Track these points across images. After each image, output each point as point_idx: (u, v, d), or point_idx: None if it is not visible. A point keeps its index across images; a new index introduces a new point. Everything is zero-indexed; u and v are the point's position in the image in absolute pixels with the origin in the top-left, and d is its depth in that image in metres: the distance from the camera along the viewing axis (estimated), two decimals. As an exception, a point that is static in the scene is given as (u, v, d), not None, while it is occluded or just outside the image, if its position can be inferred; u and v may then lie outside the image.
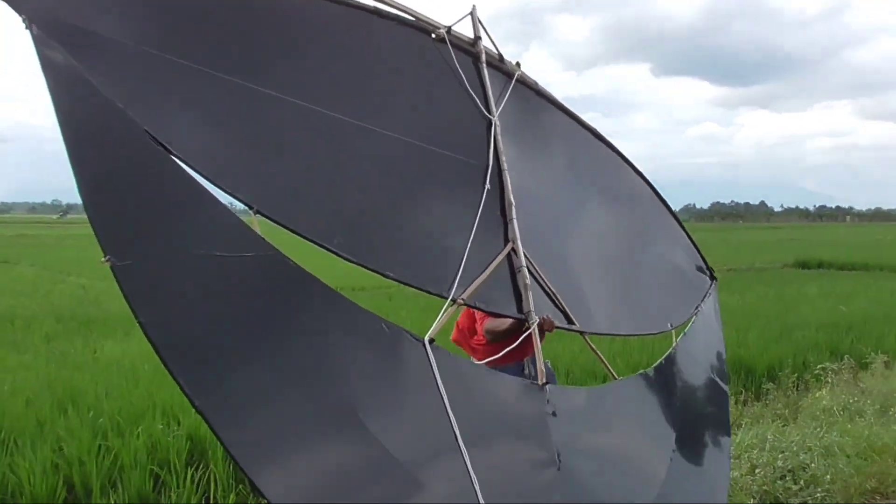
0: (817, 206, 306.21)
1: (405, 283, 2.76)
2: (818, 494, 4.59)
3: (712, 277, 4.82)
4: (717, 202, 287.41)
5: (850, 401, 6.44)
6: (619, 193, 4.52)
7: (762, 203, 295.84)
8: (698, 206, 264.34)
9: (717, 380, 4.30)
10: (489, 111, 3.48)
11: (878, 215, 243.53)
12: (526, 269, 3.16)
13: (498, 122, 3.47)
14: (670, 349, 3.97)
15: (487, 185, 3.24)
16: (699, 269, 4.82)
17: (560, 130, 4.20)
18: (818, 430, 5.70)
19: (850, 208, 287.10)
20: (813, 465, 4.86)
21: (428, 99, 3.36)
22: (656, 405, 3.73)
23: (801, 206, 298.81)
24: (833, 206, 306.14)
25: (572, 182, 4.17)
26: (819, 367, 8.15)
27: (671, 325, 4.08)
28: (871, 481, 4.80)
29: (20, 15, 1.85)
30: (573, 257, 3.79)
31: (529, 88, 3.93)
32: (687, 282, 4.65)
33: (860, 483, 4.76)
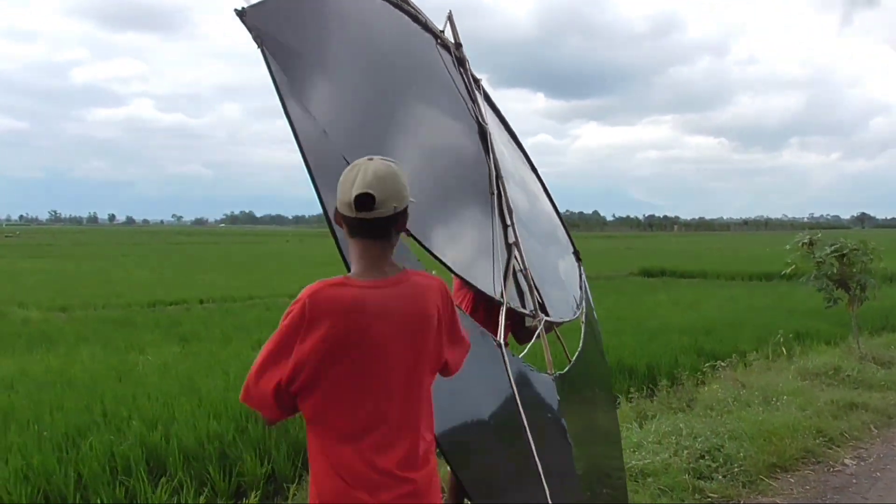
0: (647, 215, 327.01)
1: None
2: (735, 470, 5.55)
3: (578, 259, 5.35)
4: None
5: (738, 393, 7.57)
6: (537, 195, 5.07)
7: (595, 212, 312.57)
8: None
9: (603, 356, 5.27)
10: (482, 118, 3.89)
11: (702, 224, 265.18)
12: (528, 271, 3.65)
13: (490, 131, 3.87)
14: (581, 336, 4.48)
15: (492, 191, 3.67)
16: (573, 253, 5.39)
17: (504, 139, 4.62)
18: (719, 417, 6.73)
19: (677, 217, 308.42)
20: (725, 446, 5.80)
21: (446, 103, 3.75)
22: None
23: (632, 216, 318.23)
24: (661, 216, 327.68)
25: (517, 188, 4.46)
26: (707, 364, 9.33)
27: (577, 308, 4.62)
28: (772, 458, 5.82)
29: (251, 33, 2.28)
30: (532, 255, 4.01)
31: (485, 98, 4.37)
32: (574, 267, 5.24)
33: (764, 460, 5.76)
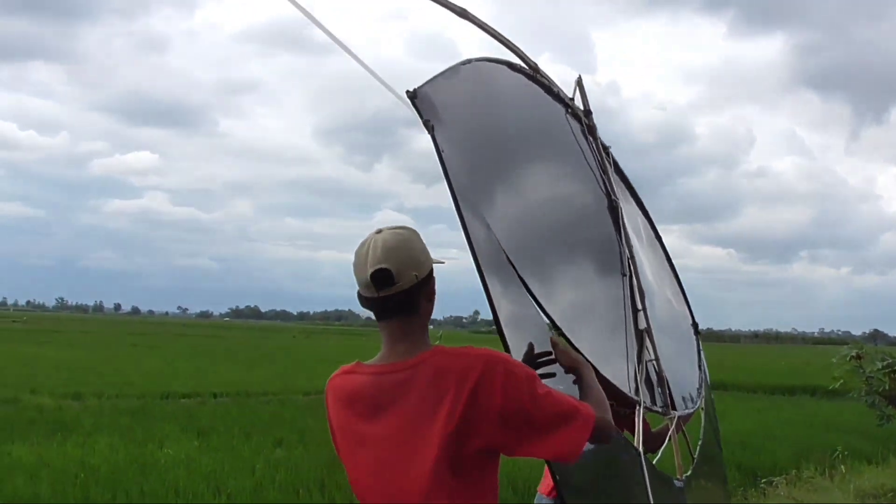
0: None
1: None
2: None
3: (696, 332, 4.88)
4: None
5: None
6: (663, 266, 4.70)
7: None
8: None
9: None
10: (612, 191, 3.64)
11: (711, 335, 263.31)
12: (658, 361, 3.34)
13: (621, 206, 3.62)
14: (701, 426, 4.15)
15: (624, 272, 3.38)
16: (692, 325, 4.90)
17: (633, 212, 4.28)
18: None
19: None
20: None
21: (580, 176, 3.56)
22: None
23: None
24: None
25: (649, 264, 4.18)
26: (764, 481, 9.04)
27: (699, 393, 4.19)
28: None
29: (422, 118, 2.25)
30: (659, 335, 3.63)
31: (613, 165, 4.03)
32: (692, 342, 4.76)
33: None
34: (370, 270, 1.88)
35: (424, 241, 1.99)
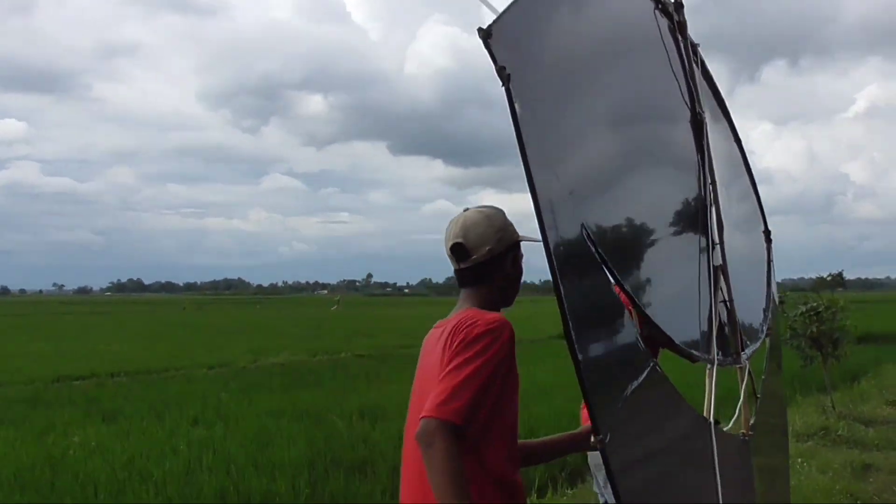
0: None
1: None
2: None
3: (768, 239, 4.41)
4: (451, 277, 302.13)
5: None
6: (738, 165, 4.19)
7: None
8: (434, 281, 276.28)
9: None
10: (699, 104, 3.10)
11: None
12: (732, 303, 2.95)
13: (707, 122, 3.10)
14: (765, 361, 3.70)
15: (705, 202, 2.95)
16: (764, 232, 4.42)
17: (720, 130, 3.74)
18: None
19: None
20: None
21: (661, 86, 3.01)
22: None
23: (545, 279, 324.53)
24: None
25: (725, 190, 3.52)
26: None
27: (763, 328, 3.73)
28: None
29: (496, 65, 1.75)
30: (733, 263, 3.16)
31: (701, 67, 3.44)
32: (762, 257, 4.26)
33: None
34: (449, 244, 2.19)
35: (504, 219, 2.21)
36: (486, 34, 1.73)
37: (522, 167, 1.78)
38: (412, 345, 15.73)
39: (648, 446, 2.30)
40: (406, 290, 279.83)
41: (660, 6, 3.04)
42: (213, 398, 13.41)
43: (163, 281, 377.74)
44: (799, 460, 7.16)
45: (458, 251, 2.16)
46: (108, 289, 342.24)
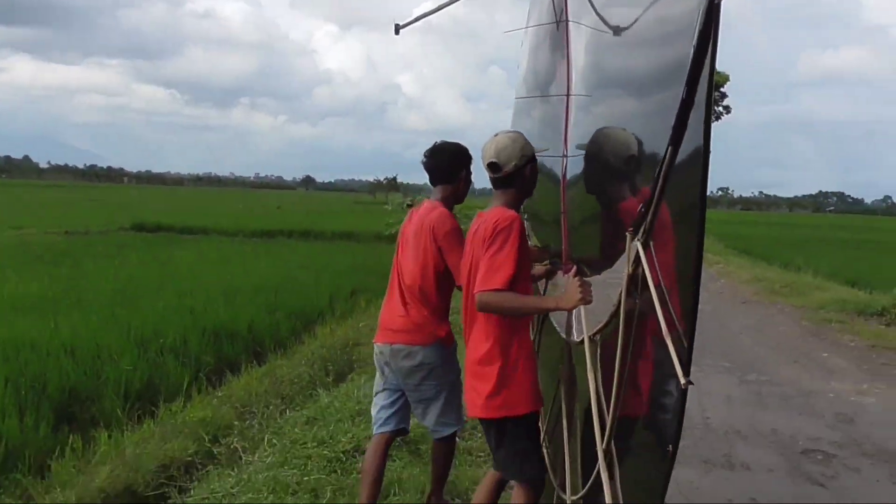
0: (88, 164, 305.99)
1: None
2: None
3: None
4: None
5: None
6: None
7: (27, 158, 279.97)
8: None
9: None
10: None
11: (154, 178, 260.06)
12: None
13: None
14: None
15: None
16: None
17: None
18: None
19: (122, 169, 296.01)
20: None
21: None
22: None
23: (71, 164, 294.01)
24: (105, 167, 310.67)
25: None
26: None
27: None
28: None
29: None
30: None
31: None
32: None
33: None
34: (486, 162, 3.19)
35: (524, 141, 3.19)
36: None
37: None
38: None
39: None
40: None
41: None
42: None
43: None
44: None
45: (493, 167, 3.16)
46: None
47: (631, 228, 2.16)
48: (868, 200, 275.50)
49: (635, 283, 2.18)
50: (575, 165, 3.62)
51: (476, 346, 3.11)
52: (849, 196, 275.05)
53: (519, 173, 3.14)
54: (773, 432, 6.12)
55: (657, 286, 1.98)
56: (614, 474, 2.37)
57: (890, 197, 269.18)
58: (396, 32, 4.14)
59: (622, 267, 2.24)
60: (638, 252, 2.11)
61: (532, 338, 3.83)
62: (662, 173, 1.90)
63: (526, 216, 4.08)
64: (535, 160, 3.21)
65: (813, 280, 16.65)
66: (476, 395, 3.09)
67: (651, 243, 2.08)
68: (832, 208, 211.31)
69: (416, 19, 4.83)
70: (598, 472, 2.40)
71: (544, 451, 3.70)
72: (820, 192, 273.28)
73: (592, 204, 3.27)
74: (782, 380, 7.99)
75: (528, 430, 3.13)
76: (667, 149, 1.85)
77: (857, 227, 65.31)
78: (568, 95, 3.66)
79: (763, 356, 9.27)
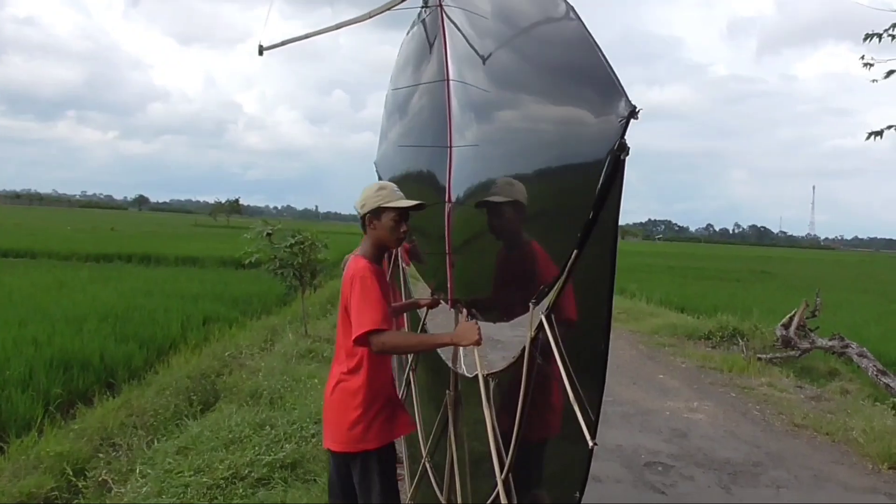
0: None
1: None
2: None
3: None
4: None
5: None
6: None
7: None
8: None
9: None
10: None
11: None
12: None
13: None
14: None
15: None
16: None
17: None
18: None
19: None
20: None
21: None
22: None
23: None
24: None
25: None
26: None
27: None
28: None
29: None
30: None
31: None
32: None
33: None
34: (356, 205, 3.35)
35: (379, 191, 3.29)
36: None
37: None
38: None
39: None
40: None
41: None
42: None
43: None
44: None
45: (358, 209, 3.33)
46: None
47: (534, 300, 2.51)
48: (693, 228, 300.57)
49: (536, 345, 2.51)
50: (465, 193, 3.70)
51: (337, 379, 3.30)
52: (675, 224, 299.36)
53: (369, 222, 3.27)
54: (618, 447, 6.75)
55: (562, 360, 2.30)
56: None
57: (712, 225, 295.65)
58: (260, 53, 4.32)
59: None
60: (541, 321, 2.42)
61: (410, 360, 4.15)
62: (567, 268, 2.26)
63: (413, 237, 4.33)
64: (402, 214, 3.25)
65: (647, 306, 18.13)
66: (335, 429, 3.28)
67: (553, 317, 2.41)
68: (661, 236, 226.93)
69: (283, 43, 4.91)
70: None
71: (429, 469, 3.97)
72: (649, 220, 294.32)
73: (485, 238, 3.29)
74: (624, 400, 8.73)
75: (380, 463, 3.25)
76: (571, 252, 2.22)
77: (684, 254, 70.56)
78: (450, 147, 3.82)
79: (605, 378, 9.97)
